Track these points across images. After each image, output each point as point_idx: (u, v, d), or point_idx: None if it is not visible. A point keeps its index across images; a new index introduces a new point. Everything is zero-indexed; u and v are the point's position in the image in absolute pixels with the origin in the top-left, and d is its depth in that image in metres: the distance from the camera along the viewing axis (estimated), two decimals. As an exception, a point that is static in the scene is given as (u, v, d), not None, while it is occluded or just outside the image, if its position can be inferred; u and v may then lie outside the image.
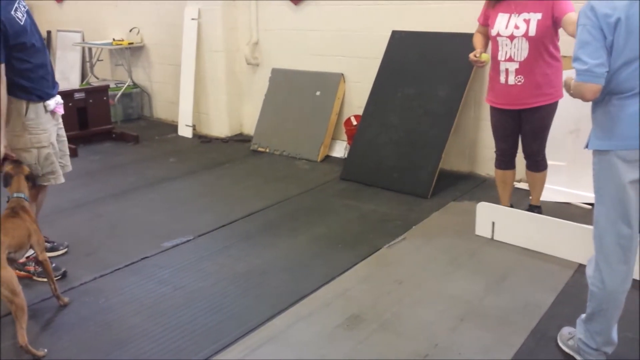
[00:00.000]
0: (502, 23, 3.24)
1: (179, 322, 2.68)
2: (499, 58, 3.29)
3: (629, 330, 2.50)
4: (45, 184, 3.10)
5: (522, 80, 3.24)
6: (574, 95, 2.12)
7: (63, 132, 3.23)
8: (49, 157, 3.02)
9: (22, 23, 2.82)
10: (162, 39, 6.64)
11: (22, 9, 2.87)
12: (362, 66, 5.06)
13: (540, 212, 3.61)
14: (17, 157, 2.94)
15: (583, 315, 2.32)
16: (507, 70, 3.27)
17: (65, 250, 3.44)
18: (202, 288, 3.00)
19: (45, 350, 2.48)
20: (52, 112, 3.04)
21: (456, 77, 4.38)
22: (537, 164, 3.56)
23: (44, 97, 2.96)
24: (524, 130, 3.43)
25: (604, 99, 2.09)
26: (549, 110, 3.36)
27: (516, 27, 3.20)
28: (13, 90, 2.85)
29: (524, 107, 3.32)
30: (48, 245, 3.39)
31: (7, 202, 2.80)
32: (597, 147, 2.13)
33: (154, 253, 3.40)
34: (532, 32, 3.16)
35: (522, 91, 3.27)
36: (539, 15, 3.15)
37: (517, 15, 3.20)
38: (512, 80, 3.26)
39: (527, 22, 3.17)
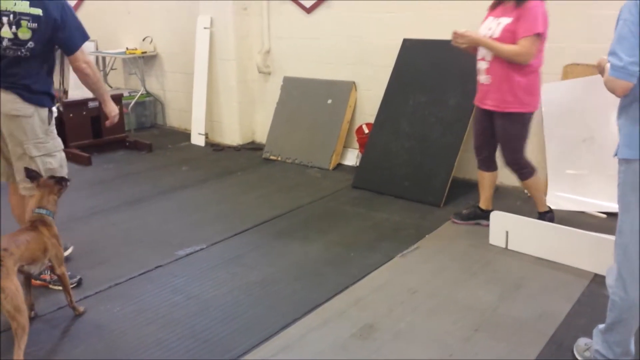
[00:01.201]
0: (485, 24, 3.42)
1: (193, 331, 2.69)
2: (477, 57, 3.49)
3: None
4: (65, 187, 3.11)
5: (490, 80, 3.42)
6: (605, 85, 2.08)
7: None
8: (63, 160, 3.08)
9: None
10: (175, 48, 6.70)
11: None
12: (374, 74, 5.08)
13: (551, 218, 3.60)
14: (41, 164, 2.96)
15: (601, 326, 2.29)
16: (480, 69, 3.48)
17: (70, 250, 3.44)
18: (215, 297, 3.01)
19: None
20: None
21: (468, 85, 4.35)
22: (517, 173, 3.60)
23: (53, 101, 3.05)
24: (496, 136, 3.54)
25: (631, 105, 2.05)
26: (512, 120, 3.41)
27: (489, 28, 3.36)
28: (40, 99, 2.91)
29: (489, 109, 3.46)
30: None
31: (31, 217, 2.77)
32: (627, 155, 2.07)
33: (167, 261, 3.42)
34: (496, 34, 3.31)
35: (489, 91, 3.44)
36: (508, 20, 3.28)
37: (497, 18, 3.35)
38: (483, 78, 3.47)
39: (498, 24, 3.31)
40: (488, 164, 3.72)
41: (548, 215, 3.63)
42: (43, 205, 2.75)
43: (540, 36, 3.21)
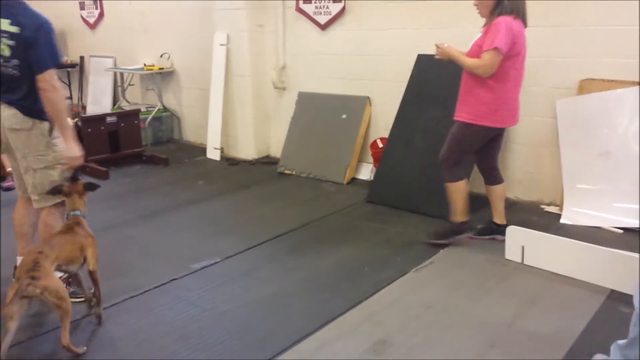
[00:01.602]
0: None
1: (207, 344, 2.70)
2: None
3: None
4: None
5: (460, 92, 3.56)
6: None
7: None
8: (65, 172, 3.11)
9: None
10: (191, 64, 6.79)
11: None
12: (388, 89, 5.10)
13: (459, 231, 3.69)
14: (44, 176, 3.04)
15: (620, 342, 2.25)
16: None
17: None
18: (229, 310, 3.02)
19: (85, 347, 2.64)
20: None
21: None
22: (442, 172, 3.66)
23: None
24: (489, 148, 3.66)
25: None
26: (458, 127, 3.54)
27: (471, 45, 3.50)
28: (38, 113, 2.96)
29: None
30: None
31: (67, 218, 2.95)
32: None
33: (182, 275, 3.44)
34: (467, 48, 3.46)
35: (458, 102, 3.58)
36: (479, 35, 3.40)
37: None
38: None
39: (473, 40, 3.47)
40: (490, 178, 3.74)
41: (458, 227, 3.69)
42: (77, 208, 2.95)
43: (498, 50, 3.23)
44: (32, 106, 2.96)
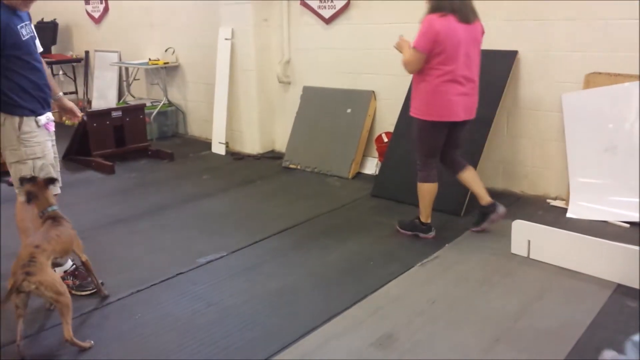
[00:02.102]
0: None
1: (213, 338, 2.71)
2: None
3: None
4: None
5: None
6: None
7: (56, 149, 3.32)
8: (44, 167, 3.11)
9: (23, 39, 2.97)
10: (196, 58, 6.79)
11: (28, 29, 3.04)
12: (393, 84, 5.08)
13: (426, 229, 3.76)
14: (14, 170, 3.08)
15: (635, 337, 2.22)
16: None
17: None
18: (235, 305, 3.03)
19: (92, 342, 2.65)
20: (46, 128, 3.14)
21: (487, 94, 4.33)
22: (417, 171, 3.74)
23: (35, 111, 3.07)
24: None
25: None
26: (414, 123, 3.65)
27: None
28: (6, 107, 2.98)
29: None
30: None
31: (41, 217, 2.93)
32: None
33: (188, 269, 3.45)
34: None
35: None
36: None
37: None
38: None
39: None
40: (453, 169, 3.78)
41: (421, 225, 3.77)
42: (52, 203, 2.95)
43: (416, 49, 3.36)
44: (2, 97, 2.98)
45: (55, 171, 3.20)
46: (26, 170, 3.06)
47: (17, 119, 3.01)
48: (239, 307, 3.01)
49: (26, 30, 3.02)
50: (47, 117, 3.14)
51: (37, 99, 3.08)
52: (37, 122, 3.07)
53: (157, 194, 4.97)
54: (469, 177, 3.76)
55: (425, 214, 3.75)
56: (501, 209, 3.72)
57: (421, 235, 3.78)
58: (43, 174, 3.08)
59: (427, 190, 3.69)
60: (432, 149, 3.66)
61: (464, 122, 3.58)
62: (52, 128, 3.21)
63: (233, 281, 3.30)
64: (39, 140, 3.08)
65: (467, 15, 3.39)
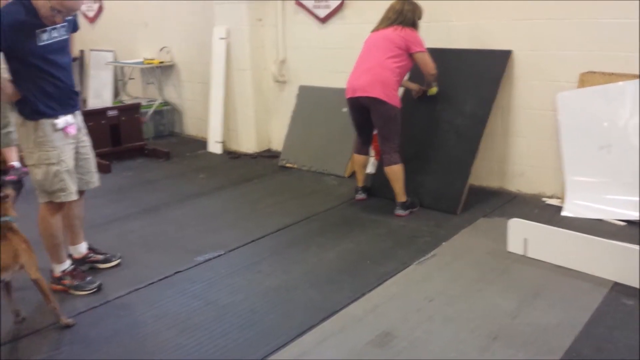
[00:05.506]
0: None
1: (211, 337, 2.72)
2: None
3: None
4: (56, 200, 3.07)
5: None
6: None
7: (87, 150, 3.28)
8: (58, 174, 3.02)
9: (39, 43, 2.85)
10: (191, 58, 6.78)
11: (54, 34, 2.94)
12: (390, 82, 5.07)
13: (405, 206, 4.22)
14: (31, 173, 3.03)
15: None
16: None
17: (119, 261, 3.53)
18: (232, 303, 3.03)
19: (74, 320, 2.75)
20: (65, 132, 3.05)
21: (482, 93, 4.37)
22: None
23: (51, 115, 2.99)
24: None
25: None
26: (389, 109, 4.21)
27: None
28: (23, 110, 2.96)
29: None
30: (101, 257, 3.51)
31: None
32: None
33: (186, 267, 3.45)
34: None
35: None
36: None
37: None
38: None
39: None
40: (361, 149, 4.56)
41: (411, 201, 4.24)
42: (6, 213, 2.76)
43: (427, 51, 4.10)
44: (18, 103, 2.96)
45: (72, 178, 3.10)
46: (40, 175, 3.01)
47: (31, 122, 2.98)
48: (236, 305, 3.01)
49: (49, 35, 2.90)
50: (65, 121, 3.04)
51: (54, 103, 3.00)
52: (53, 126, 2.99)
53: (154, 192, 4.96)
54: (362, 161, 4.53)
55: (404, 192, 4.23)
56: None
57: (415, 209, 4.26)
58: (56, 180, 3.01)
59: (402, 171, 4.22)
60: (356, 127, 4.50)
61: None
62: (74, 131, 3.10)
63: (231, 279, 3.30)
64: (55, 146, 3.00)
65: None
